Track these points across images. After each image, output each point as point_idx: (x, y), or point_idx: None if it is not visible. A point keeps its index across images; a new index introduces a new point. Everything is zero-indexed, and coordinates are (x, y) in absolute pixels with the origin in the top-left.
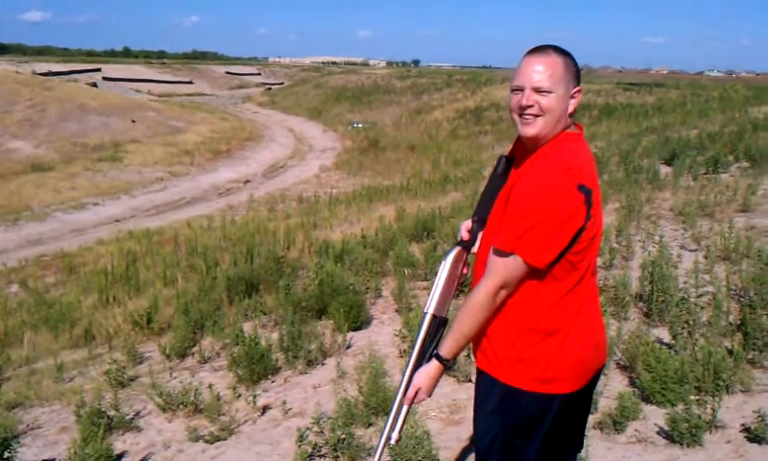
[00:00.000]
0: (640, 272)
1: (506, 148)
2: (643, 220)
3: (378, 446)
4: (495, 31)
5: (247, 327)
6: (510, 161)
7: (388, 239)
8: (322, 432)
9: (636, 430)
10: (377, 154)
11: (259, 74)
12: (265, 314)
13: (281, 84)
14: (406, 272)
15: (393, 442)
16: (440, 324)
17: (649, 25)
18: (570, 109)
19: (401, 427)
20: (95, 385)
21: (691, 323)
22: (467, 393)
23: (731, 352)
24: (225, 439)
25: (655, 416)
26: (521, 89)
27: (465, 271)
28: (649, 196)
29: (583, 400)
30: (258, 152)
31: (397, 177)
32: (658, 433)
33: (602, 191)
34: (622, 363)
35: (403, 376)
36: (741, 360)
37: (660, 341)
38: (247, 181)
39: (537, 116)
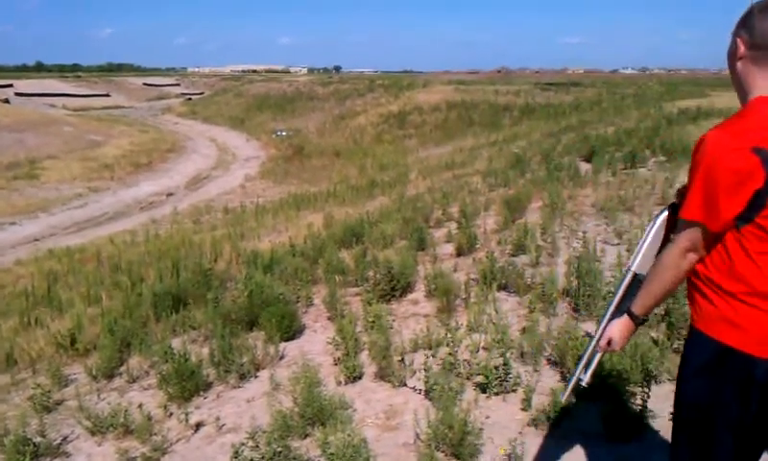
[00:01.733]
0: (566, 268)
1: (432, 151)
2: (566, 217)
3: (569, 385)
4: (416, 36)
5: (176, 343)
6: None
7: (317, 247)
8: (257, 447)
9: (569, 425)
10: (303, 161)
11: (178, 85)
12: (194, 329)
13: (201, 93)
14: (337, 279)
15: (584, 383)
16: (640, 282)
17: (565, 25)
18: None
19: (593, 372)
20: (19, 411)
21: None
22: (403, 397)
23: (656, 343)
24: (157, 459)
25: (588, 410)
26: None
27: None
28: (571, 193)
29: None
30: (181, 163)
31: (324, 183)
32: (591, 427)
33: (525, 190)
34: (553, 359)
35: (599, 325)
36: (667, 350)
37: (589, 335)
38: (170, 194)
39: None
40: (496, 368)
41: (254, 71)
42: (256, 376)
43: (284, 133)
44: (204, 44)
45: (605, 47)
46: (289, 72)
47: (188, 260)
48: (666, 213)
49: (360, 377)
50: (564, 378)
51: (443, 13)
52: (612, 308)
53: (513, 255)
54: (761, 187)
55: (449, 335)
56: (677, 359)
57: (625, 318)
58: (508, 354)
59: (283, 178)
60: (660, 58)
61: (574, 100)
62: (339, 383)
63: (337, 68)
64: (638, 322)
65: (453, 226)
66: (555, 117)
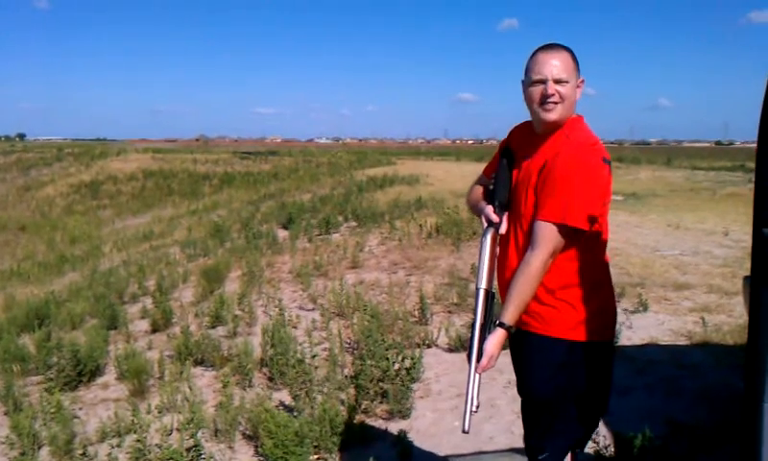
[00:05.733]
0: (262, 337)
1: (128, 222)
2: (265, 284)
3: (465, 415)
4: (108, 102)
5: None
6: (509, 156)
7: None
8: None
9: None
10: None
11: None
12: None
13: None
14: (15, 368)
15: (475, 410)
16: (489, 297)
17: (260, 96)
18: (578, 97)
19: (478, 395)
20: None
21: (308, 382)
22: None
23: (345, 405)
24: None
25: None
26: (543, 82)
27: (497, 250)
28: (269, 260)
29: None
30: None
31: (7, 261)
32: None
33: (224, 260)
34: (247, 433)
35: (471, 349)
36: (355, 412)
37: (283, 404)
38: None
39: (557, 103)
40: (188, 450)
41: None
42: None
43: None
44: None
45: (299, 118)
46: None
47: None
48: (492, 230)
49: None
50: (258, 453)
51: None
52: (477, 329)
53: (210, 328)
54: None
55: (136, 421)
56: (366, 420)
57: (499, 331)
58: (200, 434)
59: None
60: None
61: (272, 168)
62: None
63: (21, 136)
64: (511, 332)
65: (149, 301)
66: (254, 185)
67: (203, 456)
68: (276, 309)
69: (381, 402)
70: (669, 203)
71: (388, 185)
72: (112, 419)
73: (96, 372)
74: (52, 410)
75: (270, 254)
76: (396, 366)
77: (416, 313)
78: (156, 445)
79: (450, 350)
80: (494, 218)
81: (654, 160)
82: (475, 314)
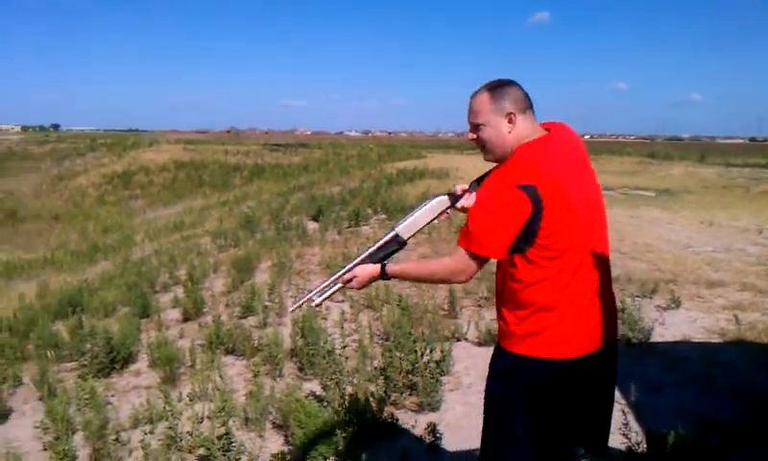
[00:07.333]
0: (292, 328)
1: (160, 212)
2: (294, 276)
3: (301, 299)
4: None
5: None
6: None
7: (28, 319)
8: None
9: None
10: (16, 225)
11: None
12: None
13: None
14: (49, 354)
15: (314, 304)
16: (398, 243)
17: (290, 89)
18: (509, 129)
19: (325, 298)
20: None
21: (338, 373)
22: None
23: (374, 396)
24: None
25: None
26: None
27: (443, 217)
28: (299, 252)
29: (588, 384)
30: None
31: (41, 249)
32: None
33: (254, 250)
34: (277, 422)
35: (350, 262)
36: (384, 404)
37: (313, 394)
38: None
39: (483, 147)
40: (219, 438)
41: None
42: None
43: None
44: None
45: (329, 110)
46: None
47: None
48: (446, 197)
49: None
50: (288, 442)
51: (168, 70)
52: (365, 254)
53: (241, 318)
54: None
55: (168, 408)
56: (395, 412)
57: (376, 267)
58: (231, 422)
59: None
60: (382, 121)
61: (302, 160)
62: None
63: (55, 126)
64: (385, 278)
65: (180, 290)
66: (284, 177)
67: (233, 444)
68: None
69: (411, 394)
70: (702, 199)
71: (417, 178)
72: (144, 406)
73: (128, 359)
74: (86, 396)
75: (299, 246)
76: (426, 358)
77: (445, 306)
78: (188, 432)
79: (480, 343)
80: (457, 190)
81: (686, 156)
82: (375, 243)
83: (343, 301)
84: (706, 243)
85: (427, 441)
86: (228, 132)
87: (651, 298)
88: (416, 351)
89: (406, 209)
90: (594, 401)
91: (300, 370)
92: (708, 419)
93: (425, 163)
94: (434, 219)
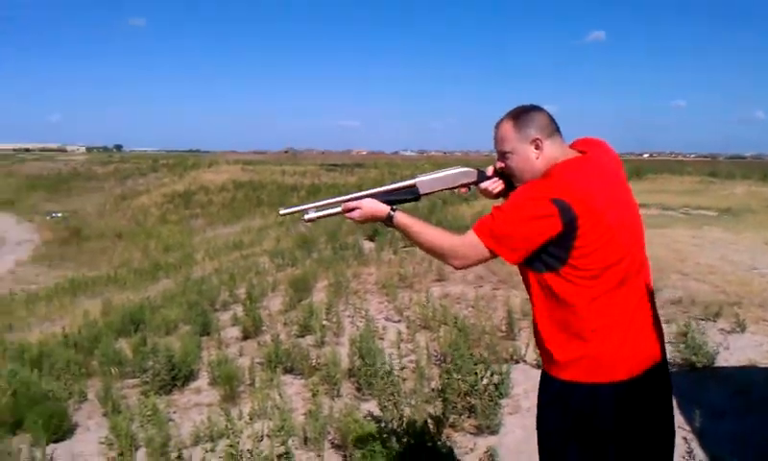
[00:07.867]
0: (349, 347)
1: (219, 231)
2: (351, 295)
3: (294, 208)
4: (200, 114)
5: None
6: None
7: (92, 336)
8: None
9: None
10: (81, 244)
11: None
12: None
13: None
14: (113, 370)
15: (306, 218)
16: (413, 194)
17: (345, 109)
18: (537, 155)
19: (321, 216)
20: None
21: (396, 394)
22: None
23: (433, 418)
24: None
25: None
26: None
27: (463, 190)
28: (355, 271)
29: (640, 408)
30: None
31: (104, 267)
32: None
33: (311, 270)
34: (336, 442)
35: (358, 192)
36: (442, 425)
37: (371, 415)
38: None
39: (512, 175)
40: (279, 457)
41: (27, 150)
42: None
43: (59, 215)
44: None
45: (384, 130)
46: (65, 150)
47: None
48: (475, 171)
49: None
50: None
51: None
52: (379, 189)
53: (299, 336)
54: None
55: (230, 426)
56: (453, 434)
57: (383, 207)
58: (291, 441)
59: (59, 262)
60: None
61: (358, 180)
62: None
63: (118, 147)
64: (387, 223)
65: (239, 308)
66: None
67: None
68: (363, 320)
69: (469, 417)
70: (765, 219)
71: (473, 198)
72: (205, 423)
73: (189, 377)
74: (148, 413)
75: (356, 266)
76: (485, 381)
77: (503, 327)
78: (248, 450)
79: (539, 366)
80: (489, 170)
81: (749, 175)
82: (392, 183)
83: (399, 321)
84: None
85: None
86: (286, 152)
87: (715, 321)
88: (475, 374)
89: (462, 230)
90: (651, 427)
91: (358, 390)
92: None
93: None
94: (455, 187)
